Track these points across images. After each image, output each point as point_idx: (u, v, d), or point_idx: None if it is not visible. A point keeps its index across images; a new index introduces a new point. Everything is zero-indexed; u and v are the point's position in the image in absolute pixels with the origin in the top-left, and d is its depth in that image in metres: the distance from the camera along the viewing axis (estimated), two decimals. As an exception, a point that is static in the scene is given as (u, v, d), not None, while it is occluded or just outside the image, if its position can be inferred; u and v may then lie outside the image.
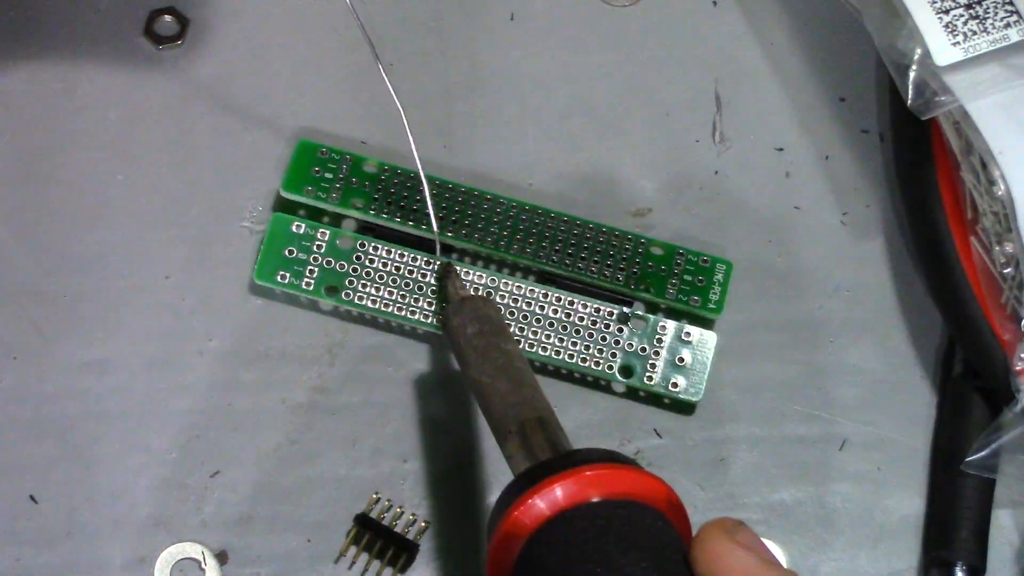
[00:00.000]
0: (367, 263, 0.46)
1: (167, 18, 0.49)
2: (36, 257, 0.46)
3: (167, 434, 0.45)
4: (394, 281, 0.45)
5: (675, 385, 0.45)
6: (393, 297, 0.45)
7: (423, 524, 0.44)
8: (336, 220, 0.46)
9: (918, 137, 0.46)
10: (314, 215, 0.47)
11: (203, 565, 0.43)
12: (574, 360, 0.45)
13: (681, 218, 0.48)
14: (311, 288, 0.45)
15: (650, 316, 0.46)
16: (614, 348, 0.45)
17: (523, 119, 0.49)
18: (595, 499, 0.35)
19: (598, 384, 0.46)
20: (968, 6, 0.45)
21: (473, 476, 0.45)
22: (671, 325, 0.46)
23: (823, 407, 0.46)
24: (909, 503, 0.45)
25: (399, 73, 0.49)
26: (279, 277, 0.45)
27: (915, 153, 0.47)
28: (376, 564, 0.44)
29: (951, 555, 0.44)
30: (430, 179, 0.46)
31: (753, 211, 0.49)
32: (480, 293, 0.45)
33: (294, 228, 0.46)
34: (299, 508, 0.44)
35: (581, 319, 0.46)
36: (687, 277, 0.46)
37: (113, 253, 0.46)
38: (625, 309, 0.46)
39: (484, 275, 0.46)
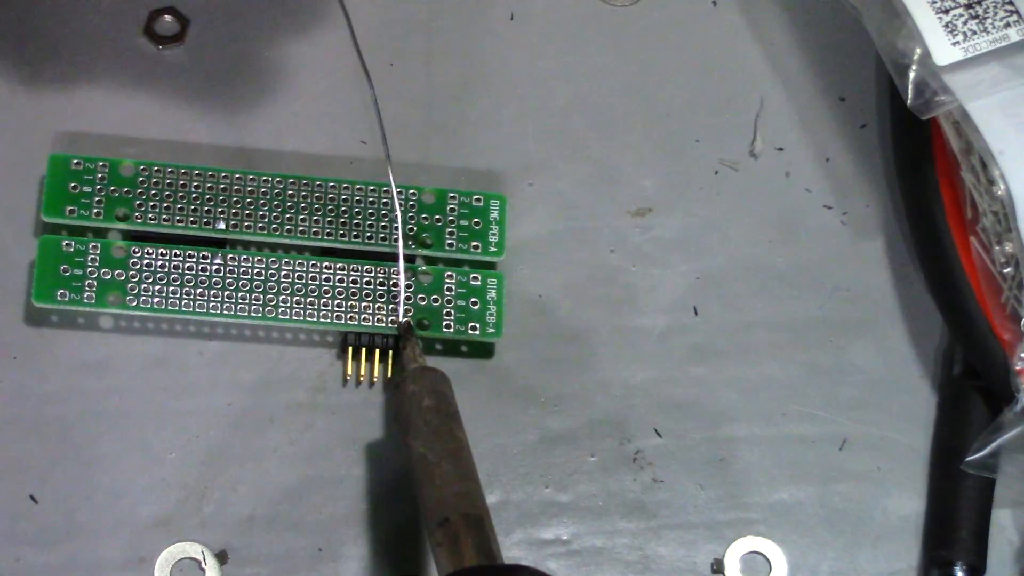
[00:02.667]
0: (144, 267, 0.45)
1: (167, 18, 0.49)
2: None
3: (167, 434, 0.45)
4: (175, 279, 0.45)
5: (473, 328, 0.45)
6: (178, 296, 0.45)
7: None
8: (104, 233, 0.46)
9: (918, 137, 0.46)
10: (81, 232, 0.46)
11: (203, 565, 0.43)
12: (370, 324, 0.45)
13: (681, 218, 0.48)
14: (92, 302, 0.44)
15: (434, 268, 0.46)
16: (407, 306, 0.45)
17: (523, 119, 0.49)
18: None
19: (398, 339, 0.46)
20: (968, 6, 0.45)
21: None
22: (456, 274, 0.46)
23: (823, 407, 0.46)
24: (909, 503, 0.45)
25: (399, 73, 0.49)
26: (58, 295, 0.44)
27: (915, 153, 0.47)
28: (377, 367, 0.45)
29: (951, 555, 0.44)
30: (189, 168, 0.46)
31: (753, 211, 0.49)
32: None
33: (64, 247, 0.45)
34: (299, 508, 0.44)
35: (368, 283, 0.45)
36: (463, 223, 0.46)
37: (113, 253, 0.46)
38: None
39: (257, 259, 0.45)
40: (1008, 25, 0.45)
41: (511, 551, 0.44)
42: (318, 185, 0.46)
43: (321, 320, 0.45)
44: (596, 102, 0.50)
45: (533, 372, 0.46)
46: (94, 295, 0.45)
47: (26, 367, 0.45)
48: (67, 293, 0.44)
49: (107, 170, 0.46)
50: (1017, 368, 0.43)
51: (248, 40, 0.49)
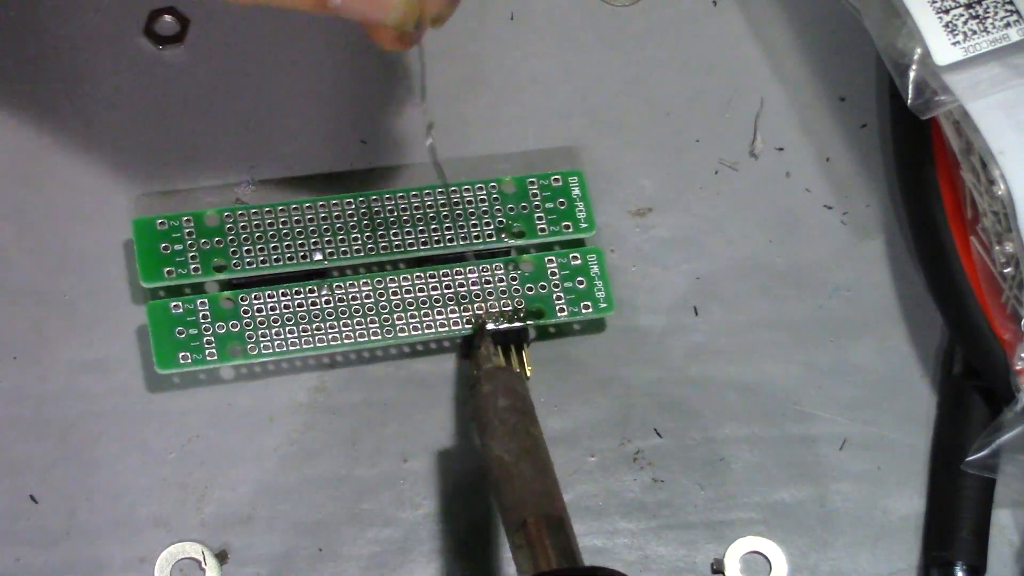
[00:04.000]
0: (256, 313, 0.45)
1: (167, 18, 0.49)
2: (36, 257, 0.46)
3: (167, 434, 0.45)
4: (288, 319, 0.45)
5: (586, 307, 0.45)
6: (294, 335, 0.45)
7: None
8: (202, 287, 0.45)
9: (918, 137, 0.47)
10: (180, 291, 0.45)
11: (203, 565, 0.43)
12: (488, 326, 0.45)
13: (681, 218, 0.48)
14: (215, 358, 0.44)
15: (534, 256, 0.46)
16: (515, 297, 0.45)
17: (523, 119, 0.49)
18: None
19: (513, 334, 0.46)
20: (968, 6, 0.45)
21: (474, 476, 0.45)
22: (556, 257, 0.46)
23: (823, 407, 0.46)
24: (909, 503, 0.45)
25: (399, 73, 0.49)
26: (180, 359, 0.44)
27: (915, 153, 0.47)
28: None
29: (951, 555, 0.44)
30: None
31: (753, 211, 0.49)
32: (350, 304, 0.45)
33: (173, 309, 0.45)
34: (299, 508, 0.44)
35: (474, 284, 0.46)
36: (548, 205, 0.46)
37: (113, 253, 0.46)
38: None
39: (360, 282, 0.45)
40: (1008, 25, 0.45)
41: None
42: (402, 197, 0.46)
43: (439, 330, 0.45)
44: (596, 102, 0.50)
45: (533, 372, 0.46)
46: (215, 351, 0.44)
47: (26, 367, 0.45)
48: (189, 355, 0.44)
49: (192, 224, 0.45)
50: (1017, 368, 0.43)
51: (248, 40, 0.49)
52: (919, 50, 0.44)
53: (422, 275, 0.46)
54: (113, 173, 0.47)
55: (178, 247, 0.45)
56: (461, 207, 0.46)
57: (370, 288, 0.45)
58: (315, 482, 0.45)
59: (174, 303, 0.45)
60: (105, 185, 0.47)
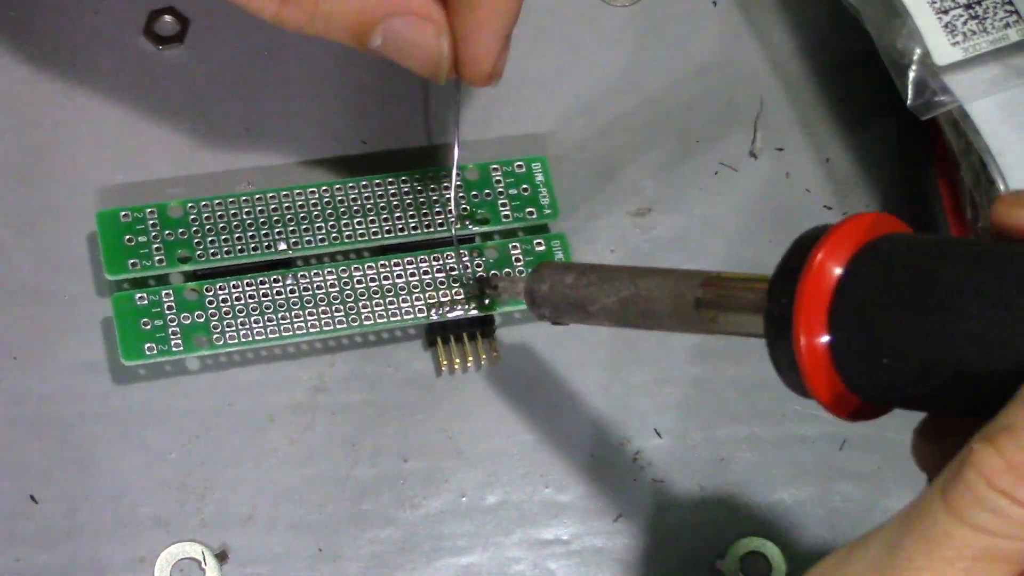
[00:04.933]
0: (221, 304, 0.45)
1: (167, 18, 0.49)
2: (36, 257, 0.46)
3: (167, 434, 0.45)
4: (254, 309, 0.45)
5: None
6: (264, 323, 0.45)
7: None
8: (166, 278, 0.45)
9: (918, 137, 0.47)
10: (144, 282, 0.45)
11: (203, 565, 0.43)
12: (454, 314, 0.45)
13: (681, 218, 0.48)
14: (180, 349, 0.44)
15: (499, 243, 0.46)
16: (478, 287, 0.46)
17: (523, 119, 0.49)
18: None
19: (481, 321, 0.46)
20: (968, 6, 0.45)
21: (474, 475, 0.45)
22: (519, 244, 0.46)
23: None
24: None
25: (397, 74, 0.49)
26: (146, 350, 0.44)
27: (915, 153, 0.47)
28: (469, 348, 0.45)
29: (951, 555, 0.44)
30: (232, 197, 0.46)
31: (753, 211, 0.49)
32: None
33: (138, 301, 0.44)
34: (299, 508, 0.44)
35: (439, 271, 0.46)
36: (512, 191, 0.47)
37: (113, 253, 0.46)
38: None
39: (324, 271, 0.45)
40: (1008, 25, 0.45)
41: (511, 551, 0.44)
42: (364, 186, 0.46)
43: (405, 317, 0.45)
44: (596, 102, 0.50)
45: (533, 372, 0.46)
46: (181, 342, 0.44)
47: (26, 367, 0.45)
48: (155, 346, 0.44)
49: (156, 215, 0.45)
50: (1017, 368, 0.43)
51: (248, 40, 0.49)
52: (919, 50, 0.44)
53: (387, 263, 0.46)
54: (112, 173, 0.47)
55: (142, 239, 0.45)
56: (425, 195, 0.46)
57: (334, 277, 0.45)
58: (315, 482, 0.45)
59: (139, 295, 0.45)
60: (105, 185, 0.47)
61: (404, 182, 0.46)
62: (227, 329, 0.45)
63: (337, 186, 0.46)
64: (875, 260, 0.32)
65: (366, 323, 0.45)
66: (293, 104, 0.49)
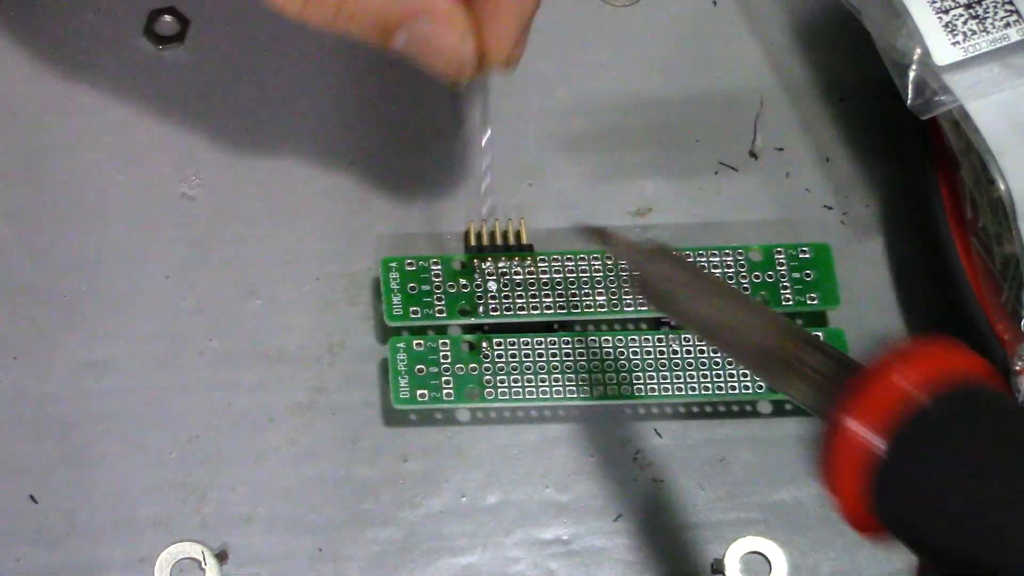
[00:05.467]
0: (496, 359, 0.45)
1: (167, 18, 0.49)
2: (36, 257, 0.46)
3: (167, 434, 0.45)
4: (528, 368, 0.45)
5: None
6: (532, 384, 0.45)
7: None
8: (441, 329, 0.45)
9: (918, 137, 0.46)
10: (419, 331, 0.45)
11: (203, 565, 0.43)
12: (723, 392, 0.45)
13: (681, 218, 0.48)
14: (452, 399, 0.44)
15: None
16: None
17: (523, 119, 0.49)
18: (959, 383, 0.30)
19: (744, 411, 0.46)
20: (968, 6, 0.45)
21: (474, 475, 0.45)
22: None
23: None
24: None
25: (399, 73, 0.49)
26: (419, 396, 0.44)
27: (915, 153, 0.47)
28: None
29: (951, 555, 0.44)
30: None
31: (753, 211, 0.48)
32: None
33: (415, 347, 0.45)
34: (299, 508, 0.44)
35: (715, 351, 0.45)
36: (795, 275, 0.46)
37: (113, 253, 0.46)
38: None
39: (604, 339, 0.45)
40: (1008, 25, 0.45)
41: (511, 551, 0.44)
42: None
43: (677, 393, 0.45)
44: (596, 102, 0.50)
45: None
46: (452, 392, 0.44)
47: (26, 367, 0.45)
48: (427, 393, 0.44)
49: (440, 267, 0.45)
50: (1017, 368, 0.43)
51: (248, 40, 0.49)
52: (919, 50, 0.44)
53: (663, 337, 0.45)
54: (113, 173, 0.47)
55: (425, 287, 0.45)
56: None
57: (611, 346, 0.45)
58: (315, 482, 0.45)
59: (417, 341, 0.44)
60: (105, 185, 0.47)
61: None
62: (499, 385, 0.44)
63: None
64: (959, 420, 0.30)
65: (623, 394, 0.45)
66: (294, 104, 0.49)
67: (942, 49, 0.44)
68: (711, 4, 0.51)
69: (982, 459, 0.29)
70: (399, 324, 0.45)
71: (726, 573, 0.44)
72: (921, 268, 0.47)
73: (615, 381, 0.45)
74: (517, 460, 0.45)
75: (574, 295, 0.46)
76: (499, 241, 0.46)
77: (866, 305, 0.47)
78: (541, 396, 0.45)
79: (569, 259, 0.46)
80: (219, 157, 0.48)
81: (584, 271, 0.46)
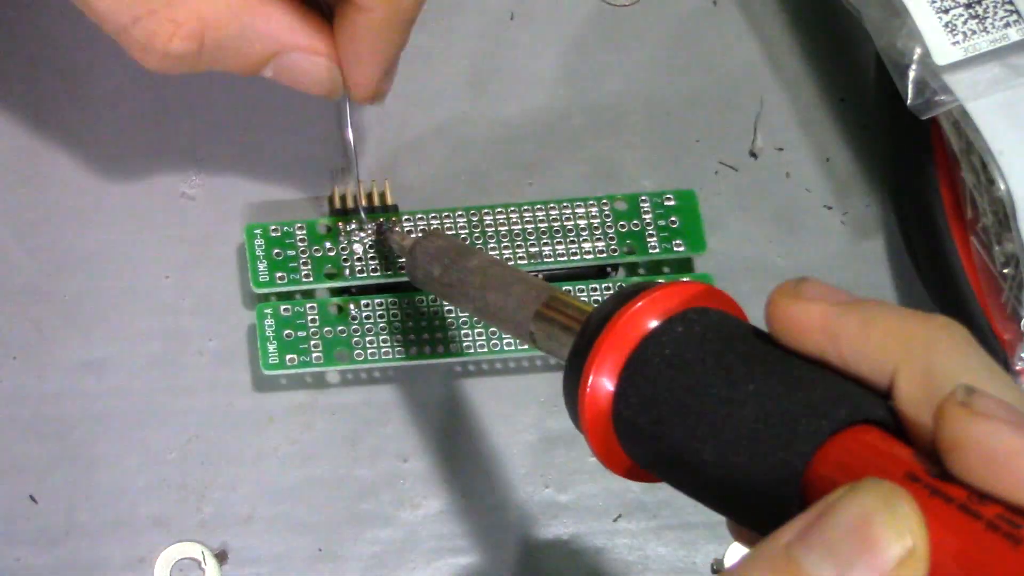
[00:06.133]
0: (365, 320, 0.45)
1: (167, 18, 0.49)
2: (36, 257, 0.46)
3: (167, 434, 0.45)
4: (396, 328, 0.45)
5: None
6: (400, 343, 0.45)
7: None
8: (310, 293, 0.46)
9: (918, 137, 0.47)
10: (288, 296, 0.45)
11: (203, 565, 0.43)
12: None
13: (681, 218, 0.48)
14: (321, 361, 0.44)
15: (642, 276, 0.46)
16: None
17: (523, 119, 0.49)
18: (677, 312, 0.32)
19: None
20: (968, 6, 0.45)
21: (474, 475, 0.45)
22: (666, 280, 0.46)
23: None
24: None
25: (399, 73, 0.49)
26: (288, 361, 0.44)
27: (915, 153, 0.47)
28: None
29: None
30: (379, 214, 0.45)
31: (753, 211, 0.49)
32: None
33: (282, 311, 0.45)
34: (299, 508, 0.44)
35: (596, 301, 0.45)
36: (660, 223, 0.46)
37: (113, 253, 0.46)
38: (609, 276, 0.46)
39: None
40: (1008, 25, 0.45)
41: (511, 551, 0.44)
42: (526, 210, 0.46)
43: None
44: (596, 102, 0.50)
45: (533, 372, 0.46)
46: (322, 355, 0.44)
47: (26, 367, 0.45)
48: (295, 357, 0.44)
49: (304, 231, 0.45)
50: (1017, 368, 0.43)
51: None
52: (919, 50, 0.44)
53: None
54: (113, 173, 0.47)
55: (291, 252, 0.45)
56: (571, 222, 0.46)
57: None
58: (315, 482, 0.45)
59: (284, 306, 0.45)
60: (105, 185, 0.47)
61: (542, 210, 0.46)
62: (368, 346, 0.45)
63: (499, 209, 0.46)
64: (672, 338, 0.32)
65: (504, 349, 0.45)
66: (294, 104, 0.49)
67: (942, 49, 0.44)
68: (711, 4, 0.51)
69: (690, 368, 0.31)
70: (265, 290, 0.45)
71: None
72: (921, 268, 0.47)
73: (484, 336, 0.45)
74: (517, 460, 0.45)
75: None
76: (364, 203, 0.46)
77: (866, 305, 0.48)
78: (410, 355, 0.45)
79: (435, 217, 0.46)
80: (219, 157, 0.48)
81: (449, 228, 0.46)
